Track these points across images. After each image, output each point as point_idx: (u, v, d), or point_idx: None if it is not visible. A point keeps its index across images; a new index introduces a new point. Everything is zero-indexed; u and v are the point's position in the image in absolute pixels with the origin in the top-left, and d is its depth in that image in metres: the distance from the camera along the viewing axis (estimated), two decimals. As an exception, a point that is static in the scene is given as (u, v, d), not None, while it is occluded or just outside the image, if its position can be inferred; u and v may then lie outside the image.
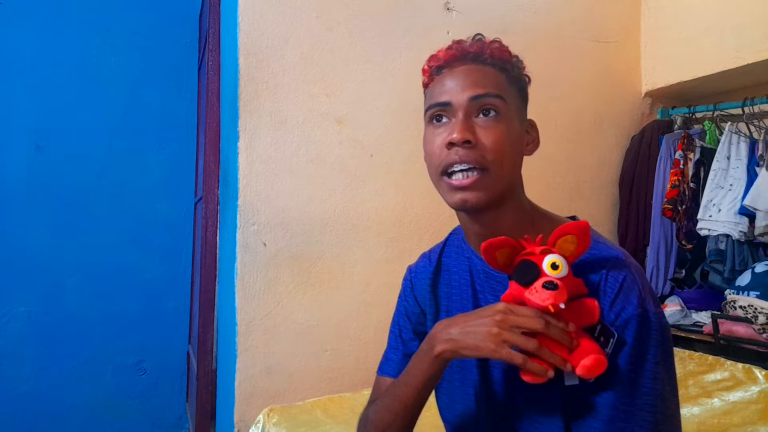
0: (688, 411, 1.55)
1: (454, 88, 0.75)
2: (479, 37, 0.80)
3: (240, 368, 1.76)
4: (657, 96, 2.65)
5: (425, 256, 0.96)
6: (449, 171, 0.74)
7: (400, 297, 0.98)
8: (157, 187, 2.79)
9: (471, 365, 0.82)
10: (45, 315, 2.57)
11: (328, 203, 1.88)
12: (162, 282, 2.79)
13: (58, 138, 2.62)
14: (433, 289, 0.90)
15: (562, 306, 0.65)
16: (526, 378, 0.66)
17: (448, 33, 2.09)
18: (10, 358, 2.52)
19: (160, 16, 2.80)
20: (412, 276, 0.96)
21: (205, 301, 2.11)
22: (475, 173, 0.72)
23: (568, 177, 2.42)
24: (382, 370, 0.94)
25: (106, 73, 2.70)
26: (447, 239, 0.95)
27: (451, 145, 0.73)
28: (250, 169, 1.80)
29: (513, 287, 0.70)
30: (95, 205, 2.67)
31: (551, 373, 0.64)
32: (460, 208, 0.76)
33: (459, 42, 0.80)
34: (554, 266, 0.67)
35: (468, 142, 0.72)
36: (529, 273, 0.68)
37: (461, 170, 0.73)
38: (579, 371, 0.65)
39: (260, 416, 1.57)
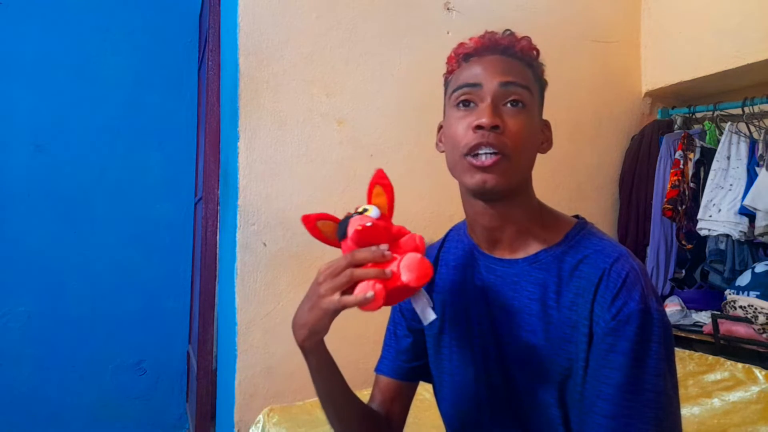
0: (688, 411, 1.55)
1: (484, 73, 0.76)
2: (509, 31, 0.82)
3: (240, 368, 1.76)
4: (657, 96, 2.65)
5: None
6: (473, 153, 0.74)
7: None
8: (157, 187, 2.79)
9: (471, 360, 0.83)
10: (45, 315, 2.58)
11: (328, 203, 1.88)
12: (162, 282, 2.79)
13: (58, 138, 2.62)
14: (429, 285, 0.90)
15: (369, 224, 0.70)
16: (364, 309, 0.68)
17: (448, 33, 2.09)
18: (10, 358, 2.52)
19: (160, 16, 2.80)
20: None
21: (205, 301, 2.11)
22: (498, 157, 0.73)
23: (568, 177, 2.42)
24: (378, 368, 0.95)
25: (106, 73, 2.70)
26: (446, 235, 0.95)
27: (478, 128, 0.74)
28: (250, 169, 1.80)
29: (342, 248, 0.75)
30: (95, 206, 2.67)
31: (371, 294, 0.66)
32: (479, 190, 0.76)
33: (491, 33, 0.81)
34: (364, 210, 0.73)
35: (496, 127, 0.73)
36: (344, 223, 0.74)
37: (485, 153, 0.73)
38: (403, 275, 0.68)
39: (260, 416, 1.57)
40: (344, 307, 0.68)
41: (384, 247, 0.70)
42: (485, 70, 0.76)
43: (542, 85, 0.82)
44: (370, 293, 0.66)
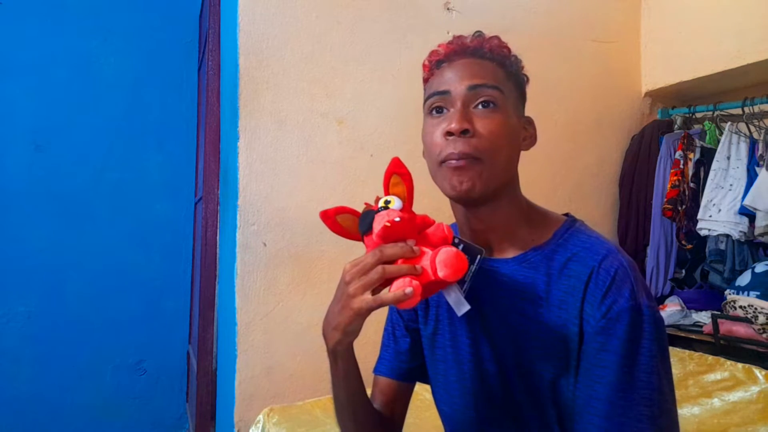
0: (688, 411, 1.55)
1: (453, 78, 0.76)
2: (479, 33, 0.82)
3: (240, 368, 1.76)
4: (657, 96, 2.65)
5: None
6: (447, 161, 0.74)
7: None
8: (157, 187, 2.79)
9: (465, 360, 0.83)
10: (45, 315, 2.58)
11: (328, 203, 1.87)
12: (162, 282, 2.79)
13: (58, 138, 2.62)
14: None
15: (397, 219, 0.68)
16: (401, 306, 0.66)
17: (448, 33, 2.09)
18: (10, 358, 2.52)
19: (160, 16, 2.80)
20: None
21: (205, 301, 2.11)
22: (471, 161, 0.73)
23: (568, 177, 2.41)
24: (376, 369, 0.95)
25: (106, 74, 2.71)
26: None
27: (449, 134, 0.74)
28: (250, 169, 1.80)
29: (365, 242, 0.73)
30: (95, 205, 2.67)
31: (409, 290, 0.64)
32: (455, 195, 0.76)
33: (459, 37, 0.81)
34: (386, 202, 0.71)
35: (466, 131, 0.73)
36: (367, 217, 0.71)
37: (457, 158, 0.73)
38: (439, 270, 0.66)
39: (260, 416, 1.57)
40: (380, 305, 0.66)
41: (411, 242, 0.69)
42: (454, 75, 0.76)
43: (519, 81, 0.81)
44: (409, 289, 0.64)
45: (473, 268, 0.72)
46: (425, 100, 0.80)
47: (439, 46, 0.81)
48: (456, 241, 0.73)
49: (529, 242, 0.79)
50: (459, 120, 0.73)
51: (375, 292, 0.67)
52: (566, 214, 0.84)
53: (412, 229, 0.70)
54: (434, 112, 0.78)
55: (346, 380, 0.80)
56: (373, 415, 0.87)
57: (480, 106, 0.75)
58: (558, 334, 0.73)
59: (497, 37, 0.81)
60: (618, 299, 0.69)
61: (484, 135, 0.73)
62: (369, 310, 0.68)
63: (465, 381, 0.83)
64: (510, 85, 0.78)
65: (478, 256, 0.72)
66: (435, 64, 0.81)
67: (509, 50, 0.81)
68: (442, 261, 0.66)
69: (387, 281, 0.67)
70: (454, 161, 0.73)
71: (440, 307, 0.87)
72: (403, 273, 0.66)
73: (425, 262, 0.68)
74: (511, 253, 0.79)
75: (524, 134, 0.81)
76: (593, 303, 0.70)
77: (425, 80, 0.83)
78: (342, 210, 0.73)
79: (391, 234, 0.68)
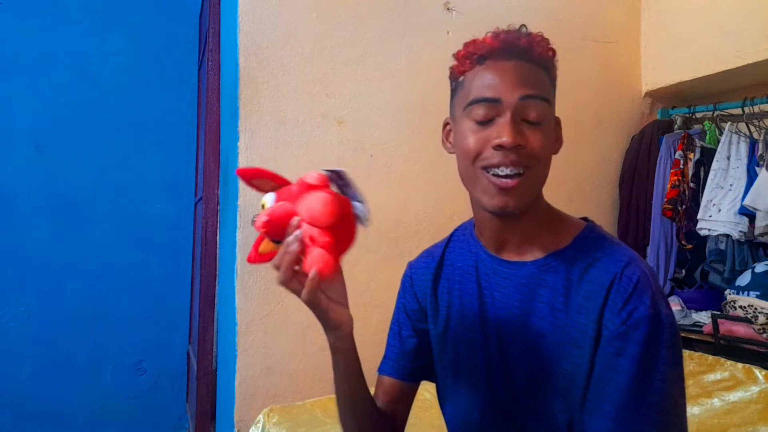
0: (688, 411, 1.54)
1: (503, 85, 0.72)
2: (525, 29, 0.78)
3: (240, 368, 1.76)
4: (657, 96, 2.65)
5: (427, 253, 0.95)
6: (493, 171, 0.72)
7: (399, 294, 0.97)
8: (157, 187, 2.79)
9: (475, 360, 0.82)
10: (45, 315, 2.58)
11: (328, 203, 1.88)
12: (162, 282, 2.79)
13: (58, 138, 2.63)
14: (434, 285, 0.89)
15: (264, 219, 0.67)
16: (327, 276, 0.68)
17: (448, 33, 2.09)
18: (10, 358, 2.52)
19: (160, 16, 2.81)
20: (411, 272, 0.95)
21: (205, 301, 2.11)
22: (521, 178, 0.71)
23: (568, 177, 2.41)
24: (381, 369, 0.95)
25: (106, 73, 2.71)
26: (452, 235, 0.94)
27: (499, 147, 0.70)
28: (250, 169, 1.80)
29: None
30: (95, 205, 2.67)
31: (312, 273, 0.66)
32: (499, 212, 0.74)
33: (507, 33, 0.76)
34: (263, 206, 0.71)
35: (519, 146, 0.70)
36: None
37: (507, 174, 0.71)
38: (318, 220, 0.66)
39: (260, 416, 1.57)
40: (313, 294, 0.68)
41: (295, 221, 0.67)
42: (503, 80, 0.72)
43: (555, 83, 0.79)
44: (312, 272, 0.66)
45: (345, 184, 0.71)
46: (466, 103, 0.74)
47: (484, 38, 0.76)
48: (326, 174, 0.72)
49: (549, 246, 0.78)
50: (512, 135, 0.70)
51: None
52: (584, 218, 0.83)
53: (288, 210, 0.69)
54: (479, 120, 0.73)
55: (346, 375, 0.80)
56: (373, 412, 0.87)
57: (530, 120, 0.72)
58: (574, 339, 0.73)
59: (546, 40, 0.77)
60: (639, 306, 0.68)
61: (535, 150, 0.72)
62: (315, 302, 0.70)
63: (472, 382, 0.83)
64: (552, 92, 0.76)
65: (342, 173, 0.71)
66: (477, 59, 0.75)
67: (554, 52, 0.77)
68: (308, 217, 0.66)
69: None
70: (505, 179, 0.71)
71: (451, 307, 0.86)
72: (293, 259, 0.67)
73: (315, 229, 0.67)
74: (529, 257, 0.79)
75: (554, 136, 0.79)
76: (614, 309, 0.70)
77: (460, 72, 0.77)
78: (259, 241, 0.72)
79: (272, 233, 0.68)
